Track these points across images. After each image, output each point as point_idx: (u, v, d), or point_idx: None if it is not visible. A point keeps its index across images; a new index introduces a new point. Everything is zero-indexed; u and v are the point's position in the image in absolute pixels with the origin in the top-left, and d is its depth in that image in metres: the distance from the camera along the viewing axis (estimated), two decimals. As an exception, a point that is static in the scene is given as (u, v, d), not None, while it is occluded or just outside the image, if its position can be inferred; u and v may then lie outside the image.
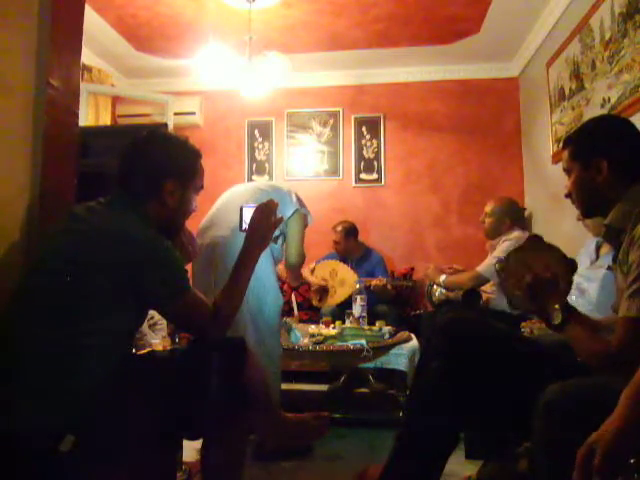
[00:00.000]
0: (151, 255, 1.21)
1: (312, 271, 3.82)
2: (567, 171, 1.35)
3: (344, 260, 3.85)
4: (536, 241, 1.38)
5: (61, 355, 1.11)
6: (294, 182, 4.52)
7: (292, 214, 2.38)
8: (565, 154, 1.34)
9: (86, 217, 1.26)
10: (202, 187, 1.45)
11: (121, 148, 1.37)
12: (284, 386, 2.62)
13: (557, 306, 1.22)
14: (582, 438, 0.84)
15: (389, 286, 3.56)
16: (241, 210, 1.50)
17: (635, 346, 1.05)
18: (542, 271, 1.27)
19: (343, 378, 3.10)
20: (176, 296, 1.24)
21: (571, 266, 1.32)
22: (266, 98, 3.77)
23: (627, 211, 1.19)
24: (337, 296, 3.65)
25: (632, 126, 1.29)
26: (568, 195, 1.35)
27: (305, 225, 2.49)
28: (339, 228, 3.86)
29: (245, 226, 1.45)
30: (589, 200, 1.32)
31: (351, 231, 3.87)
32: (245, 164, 4.59)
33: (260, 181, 4.43)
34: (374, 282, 3.48)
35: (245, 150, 4.59)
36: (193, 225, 2.39)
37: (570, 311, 1.21)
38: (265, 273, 2.21)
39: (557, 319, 1.21)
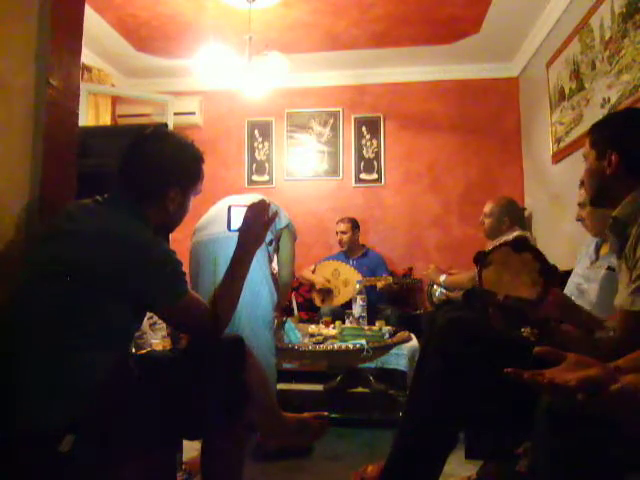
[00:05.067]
0: (150, 258, 1.21)
1: (313, 271, 3.83)
2: (584, 156, 1.36)
3: (346, 259, 3.86)
4: (508, 251, 1.39)
5: (60, 356, 1.11)
6: (294, 182, 4.53)
7: (284, 227, 2.41)
8: (587, 140, 1.35)
9: (84, 217, 1.25)
10: (200, 191, 1.44)
11: (125, 146, 1.35)
12: (282, 386, 2.62)
13: (528, 329, 1.24)
14: (583, 439, 0.84)
15: (394, 285, 3.57)
16: (229, 210, 1.45)
17: (637, 340, 1.05)
18: (513, 289, 1.29)
19: (339, 378, 3.10)
20: (174, 299, 1.24)
21: (551, 273, 1.33)
22: (266, 98, 3.77)
23: (636, 206, 1.19)
24: (341, 296, 3.66)
25: None
26: (582, 182, 1.36)
27: (294, 240, 2.54)
28: (345, 219, 3.92)
29: (234, 226, 1.43)
30: (597, 190, 1.32)
31: (356, 224, 3.95)
32: (245, 164, 4.59)
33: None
34: (380, 283, 3.49)
35: (245, 150, 4.59)
36: (189, 225, 2.39)
37: (545, 327, 1.22)
38: (260, 266, 2.22)
39: (532, 337, 1.23)
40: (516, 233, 2.87)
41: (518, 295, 1.32)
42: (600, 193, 1.32)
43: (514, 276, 1.36)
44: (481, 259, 1.41)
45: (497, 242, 2.94)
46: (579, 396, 0.72)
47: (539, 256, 1.37)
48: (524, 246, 1.40)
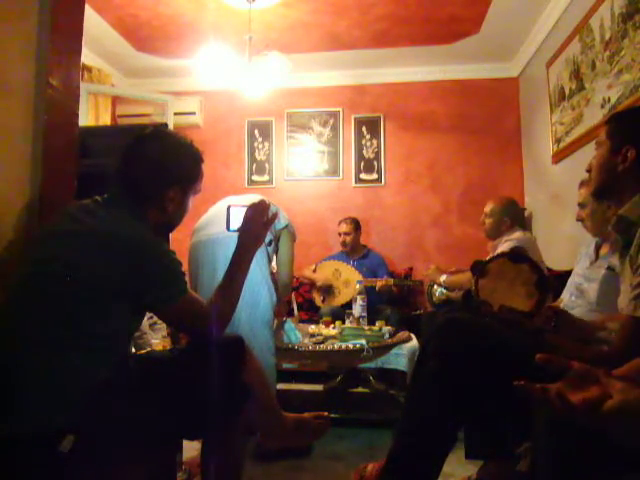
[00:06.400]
0: (150, 258, 1.21)
1: (314, 271, 3.84)
2: (597, 144, 1.31)
3: (347, 259, 3.86)
4: (505, 261, 1.40)
5: (61, 356, 1.11)
6: (294, 182, 4.53)
7: (284, 227, 2.41)
8: (604, 128, 1.31)
9: (84, 218, 1.25)
10: (200, 190, 1.44)
11: (124, 146, 1.34)
12: (282, 386, 2.62)
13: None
14: (582, 439, 0.84)
15: (394, 287, 3.58)
16: (228, 210, 1.44)
17: (638, 347, 1.05)
18: (508, 299, 1.29)
19: (339, 378, 3.10)
20: (174, 299, 1.24)
21: (547, 286, 1.33)
22: (266, 98, 3.77)
23: None
24: (342, 296, 3.66)
25: None
26: (589, 170, 1.33)
27: (294, 240, 2.53)
28: (347, 220, 3.91)
29: (233, 226, 1.42)
30: (604, 182, 1.29)
31: (358, 224, 3.94)
32: (245, 164, 4.59)
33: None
34: (380, 284, 3.50)
35: (245, 150, 4.60)
36: (189, 225, 2.39)
37: (537, 337, 1.22)
38: (260, 266, 2.22)
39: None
40: (517, 234, 2.87)
41: (512, 305, 1.31)
42: (606, 187, 1.28)
43: (510, 286, 1.35)
44: (478, 268, 1.40)
45: (498, 242, 2.94)
46: (579, 417, 0.72)
47: (536, 268, 1.36)
48: (521, 257, 1.40)
